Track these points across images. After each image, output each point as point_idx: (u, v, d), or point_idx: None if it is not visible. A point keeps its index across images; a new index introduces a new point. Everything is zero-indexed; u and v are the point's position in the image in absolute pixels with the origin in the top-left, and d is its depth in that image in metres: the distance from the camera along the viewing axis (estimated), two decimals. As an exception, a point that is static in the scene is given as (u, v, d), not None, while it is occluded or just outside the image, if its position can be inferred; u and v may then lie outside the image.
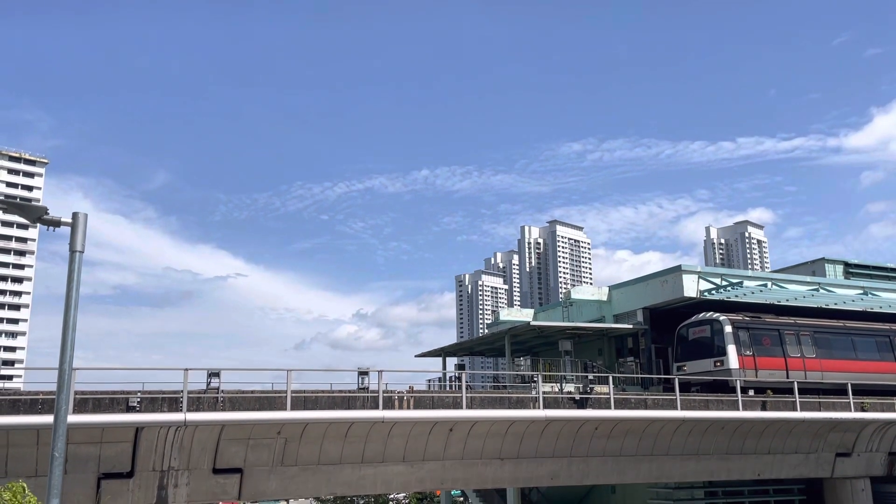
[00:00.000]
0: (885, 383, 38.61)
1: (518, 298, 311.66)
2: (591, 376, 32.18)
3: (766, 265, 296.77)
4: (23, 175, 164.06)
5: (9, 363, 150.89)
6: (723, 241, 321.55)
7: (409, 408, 27.58)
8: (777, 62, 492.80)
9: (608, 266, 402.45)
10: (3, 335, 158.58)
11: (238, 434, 25.87)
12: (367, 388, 27.26)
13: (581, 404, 30.34)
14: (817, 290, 43.97)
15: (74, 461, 23.72)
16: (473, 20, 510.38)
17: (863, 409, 35.86)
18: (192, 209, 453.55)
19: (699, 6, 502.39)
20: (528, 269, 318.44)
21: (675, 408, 31.75)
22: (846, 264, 52.46)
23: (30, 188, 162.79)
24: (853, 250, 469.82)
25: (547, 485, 35.98)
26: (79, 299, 12.28)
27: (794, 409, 34.22)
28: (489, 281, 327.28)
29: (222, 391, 24.96)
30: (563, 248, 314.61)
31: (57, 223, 12.55)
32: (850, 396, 35.64)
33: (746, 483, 39.17)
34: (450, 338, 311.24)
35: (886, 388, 38.24)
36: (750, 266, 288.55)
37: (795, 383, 35.11)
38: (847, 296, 44.16)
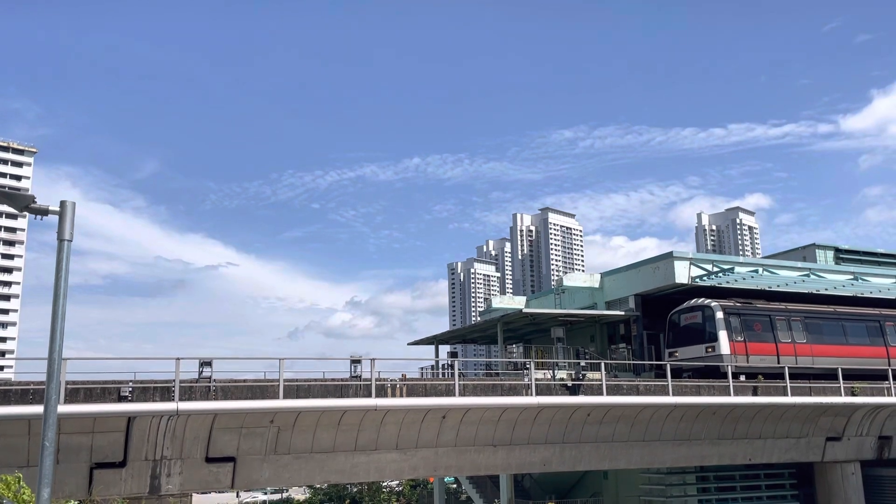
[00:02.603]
0: (875, 368, 38.85)
1: (510, 286, 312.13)
2: (583, 363, 32.30)
3: (757, 251, 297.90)
4: (11, 164, 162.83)
5: None
6: (714, 227, 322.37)
7: (401, 396, 27.62)
8: (768, 48, 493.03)
9: (604, 252, 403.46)
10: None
11: (231, 423, 25.86)
12: (360, 377, 27.27)
13: (573, 391, 30.44)
14: (808, 275, 44.15)
15: (66, 451, 23.69)
16: (465, 9, 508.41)
17: (853, 394, 36.11)
18: (181, 198, 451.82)
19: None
20: (520, 257, 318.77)
21: (666, 393, 31.91)
22: (837, 250, 52.68)
23: (18, 178, 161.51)
24: (844, 236, 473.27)
25: (539, 471, 36.17)
26: (67, 288, 12.18)
27: (785, 395, 34.43)
28: (481, 269, 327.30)
29: (214, 380, 24.94)
30: (554, 235, 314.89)
31: (45, 212, 12.42)
32: (841, 381, 35.87)
33: (738, 468, 39.46)
34: (444, 325, 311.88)
35: (876, 373, 38.49)
36: (741, 252, 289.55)
37: (786, 368, 35.32)
38: (837, 281, 44.38)
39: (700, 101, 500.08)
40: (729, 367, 34.24)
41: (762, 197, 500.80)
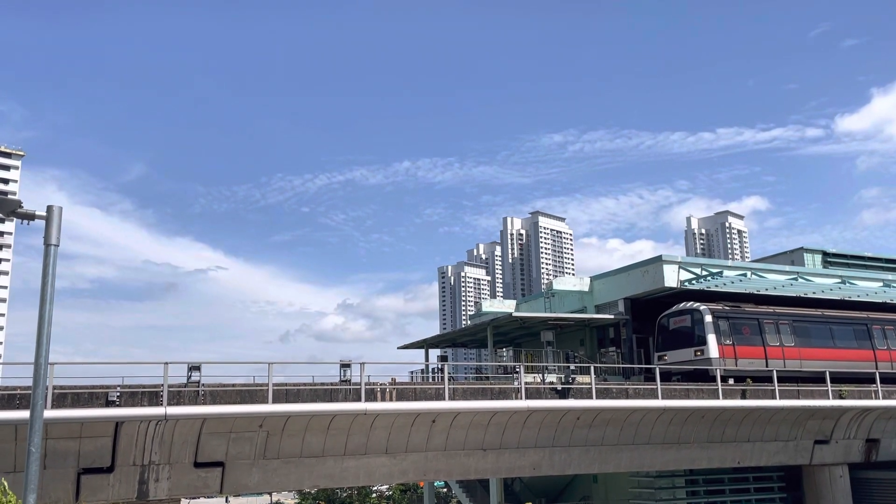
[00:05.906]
0: (863, 371, 39.06)
1: (501, 289, 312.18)
2: (572, 367, 32.31)
3: (746, 255, 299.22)
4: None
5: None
6: (704, 231, 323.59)
7: (391, 400, 27.56)
8: (755, 54, 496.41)
9: (600, 255, 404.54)
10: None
11: (219, 428, 25.73)
12: (350, 381, 27.18)
13: (563, 395, 30.46)
14: (796, 279, 44.36)
15: (53, 456, 23.52)
16: (455, 13, 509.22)
17: (840, 397, 36.28)
18: (169, 201, 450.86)
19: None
20: (510, 261, 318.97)
21: (655, 397, 31.96)
22: (824, 253, 52.92)
23: (5, 181, 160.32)
24: (832, 239, 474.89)
25: (529, 475, 36.16)
26: (54, 293, 12.12)
27: (773, 398, 34.56)
28: (472, 272, 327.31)
29: (203, 385, 24.80)
30: (545, 238, 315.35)
31: (31, 216, 12.37)
32: (829, 384, 36.04)
33: (726, 471, 39.55)
34: (436, 328, 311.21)
35: (864, 376, 38.69)
36: (730, 256, 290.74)
37: (774, 372, 35.46)
38: (825, 285, 44.58)
39: (689, 105, 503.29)
40: (718, 371, 34.36)
41: (759, 200, 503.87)
